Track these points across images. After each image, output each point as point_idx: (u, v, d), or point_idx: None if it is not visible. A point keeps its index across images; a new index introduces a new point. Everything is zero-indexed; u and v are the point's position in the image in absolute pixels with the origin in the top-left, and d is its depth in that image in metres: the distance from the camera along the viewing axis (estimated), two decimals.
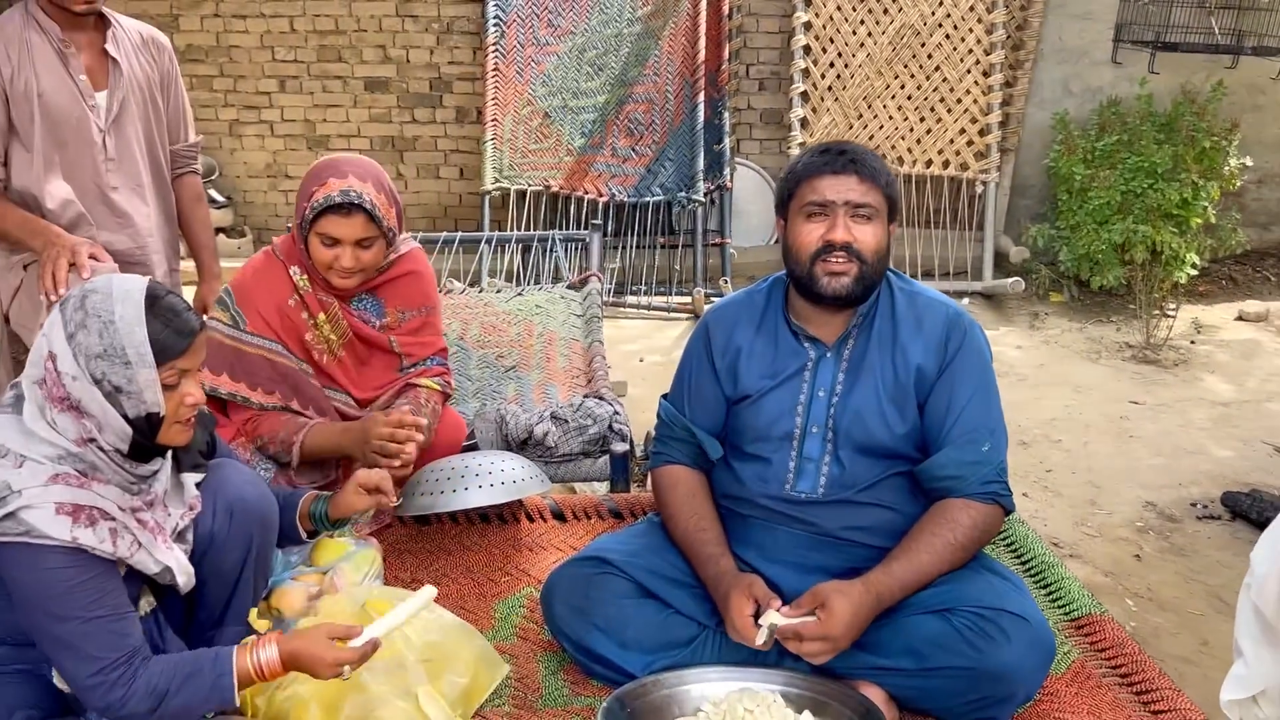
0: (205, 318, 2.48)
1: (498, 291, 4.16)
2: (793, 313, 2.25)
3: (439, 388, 2.75)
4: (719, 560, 2.16)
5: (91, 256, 2.61)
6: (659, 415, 2.38)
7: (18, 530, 1.65)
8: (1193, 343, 5.54)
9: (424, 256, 2.79)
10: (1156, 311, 5.60)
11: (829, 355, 2.21)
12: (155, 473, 1.85)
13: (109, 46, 2.77)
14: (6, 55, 2.64)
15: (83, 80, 2.73)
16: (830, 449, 2.19)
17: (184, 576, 1.87)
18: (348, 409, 2.68)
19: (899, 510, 2.18)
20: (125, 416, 1.73)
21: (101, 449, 1.74)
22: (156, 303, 1.75)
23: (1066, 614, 2.36)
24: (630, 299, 5.92)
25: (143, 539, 1.79)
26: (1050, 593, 2.43)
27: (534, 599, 2.44)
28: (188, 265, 3.13)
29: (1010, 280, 6.08)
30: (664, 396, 2.39)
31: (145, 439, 1.76)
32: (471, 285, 4.41)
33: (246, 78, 6.46)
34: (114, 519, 1.74)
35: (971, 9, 6.05)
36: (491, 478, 2.51)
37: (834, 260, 2.11)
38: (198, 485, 1.98)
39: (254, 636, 1.88)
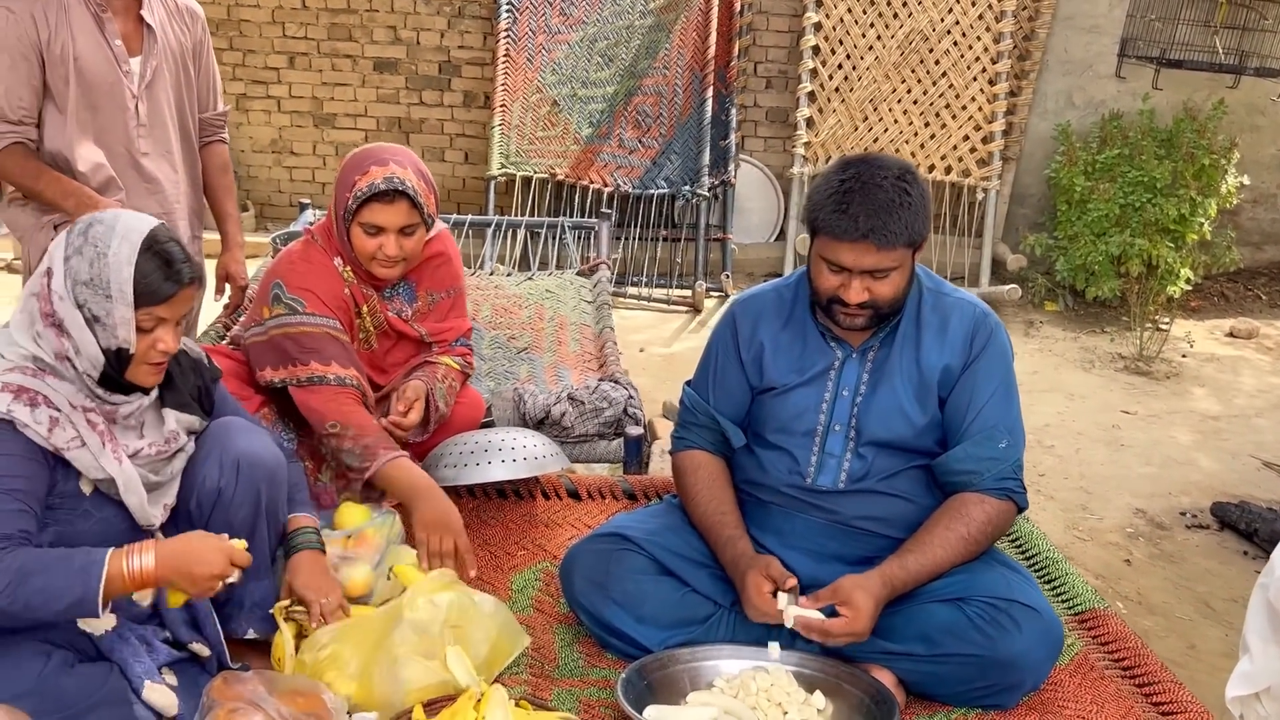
0: (244, 305, 2.47)
1: (508, 275, 4.20)
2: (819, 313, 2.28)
3: (459, 366, 2.78)
4: (737, 543, 2.20)
5: None
6: (682, 401, 2.41)
7: None
8: (1184, 356, 5.63)
9: (451, 238, 2.82)
10: (1150, 324, 5.69)
11: (854, 356, 2.24)
12: (128, 403, 1.88)
13: (144, 13, 2.79)
14: (45, 18, 2.66)
15: (118, 45, 2.74)
16: (852, 446, 2.22)
17: (134, 497, 1.86)
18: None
19: (916, 502, 2.23)
20: (100, 345, 1.80)
21: (75, 369, 1.81)
22: (154, 246, 1.82)
23: (1070, 608, 2.42)
24: (631, 290, 5.96)
25: (88, 439, 1.81)
26: (1054, 587, 2.48)
27: (550, 573, 2.48)
28: (211, 235, 3.15)
29: (1007, 287, 6.14)
30: (688, 383, 2.43)
31: (114, 371, 1.82)
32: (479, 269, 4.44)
33: (255, 52, 6.46)
34: (59, 410, 1.78)
35: (980, 18, 6.11)
36: (514, 453, 2.55)
37: (849, 309, 2.12)
38: (196, 436, 2.02)
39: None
